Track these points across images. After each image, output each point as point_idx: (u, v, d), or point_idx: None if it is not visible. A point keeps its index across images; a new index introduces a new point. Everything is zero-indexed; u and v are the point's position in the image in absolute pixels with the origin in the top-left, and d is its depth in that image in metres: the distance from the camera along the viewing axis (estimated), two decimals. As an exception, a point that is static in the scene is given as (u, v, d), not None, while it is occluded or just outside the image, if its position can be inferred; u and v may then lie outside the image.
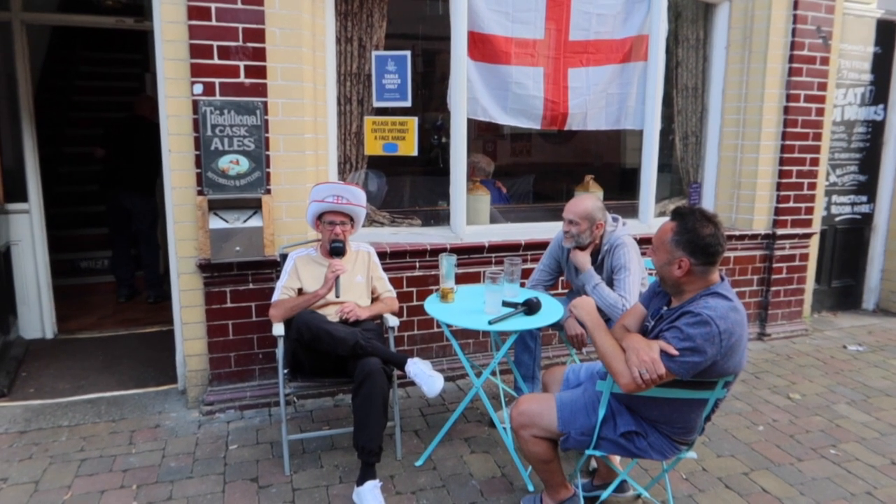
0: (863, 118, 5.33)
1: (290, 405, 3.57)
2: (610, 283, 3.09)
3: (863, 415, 3.60)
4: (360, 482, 2.65)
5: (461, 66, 3.80)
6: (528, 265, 3.75)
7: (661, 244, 2.08)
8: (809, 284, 5.05)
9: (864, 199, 5.50)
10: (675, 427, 2.21)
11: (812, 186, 4.78)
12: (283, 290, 3.05)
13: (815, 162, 4.75)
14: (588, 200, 3.08)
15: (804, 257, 4.89)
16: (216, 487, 2.79)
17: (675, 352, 1.96)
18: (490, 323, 2.69)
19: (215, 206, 3.28)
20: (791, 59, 4.51)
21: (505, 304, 2.90)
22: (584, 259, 3.09)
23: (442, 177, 4.11)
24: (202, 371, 3.51)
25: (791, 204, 4.73)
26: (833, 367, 4.29)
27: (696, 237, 2.00)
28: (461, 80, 3.82)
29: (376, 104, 3.82)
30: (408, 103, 3.80)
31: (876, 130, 5.42)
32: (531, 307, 2.82)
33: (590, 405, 2.30)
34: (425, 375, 2.69)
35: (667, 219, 2.16)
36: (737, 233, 4.59)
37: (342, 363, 2.81)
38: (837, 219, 5.41)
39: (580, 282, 3.09)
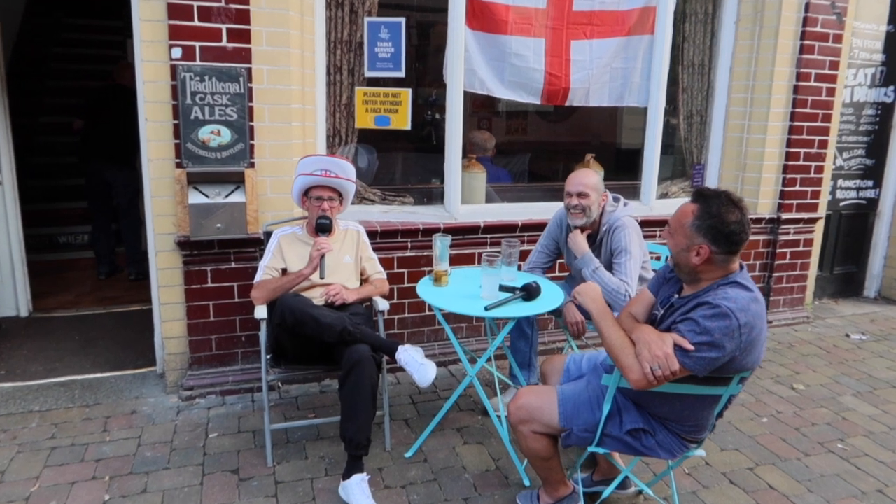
0: (872, 100, 5.15)
1: (274, 391, 3.40)
2: (609, 267, 2.92)
3: (870, 407, 3.48)
4: (347, 475, 2.49)
5: (458, 35, 3.58)
6: (525, 247, 3.57)
7: (680, 228, 1.90)
8: (813, 271, 4.90)
9: (869, 183, 5.35)
10: (686, 425, 2.06)
11: (819, 170, 4.62)
12: (265, 270, 2.86)
13: (823, 144, 4.58)
14: (592, 172, 2.91)
15: (809, 243, 4.75)
16: (194, 480, 2.62)
17: (690, 346, 1.79)
18: (487, 309, 2.52)
19: (195, 180, 3.07)
20: (803, 35, 4.31)
21: (502, 288, 2.72)
22: (581, 241, 2.92)
23: (436, 153, 3.92)
24: (181, 354, 3.32)
25: (797, 188, 4.56)
26: (836, 357, 4.17)
27: (721, 223, 1.82)
28: (458, 50, 3.60)
29: (368, 74, 3.60)
30: (401, 74, 3.58)
31: (885, 113, 5.24)
32: (530, 292, 2.65)
33: (594, 400, 2.14)
34: (417, 364, 2.53)
35: (685, 199, 1.98)
36: (741, 216, 4.42)
37: (328, 349, 2.63)
38: (842, 204, 5.25)
39: (579, 265, 2.91)
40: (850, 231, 5.37)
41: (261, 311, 2.74)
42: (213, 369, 3.34)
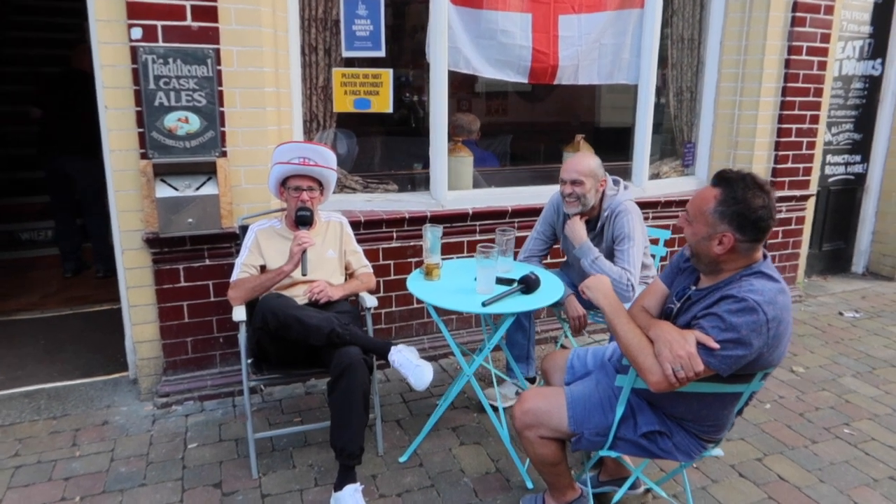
0: (860, 73, 5.06)
1: (256, 393, 3.21)
2: (610, 254, 2.77)
3: (871, 388, 3.40)
4: (339, 486, 2.32)
5: (441, 10, 3.37)
6: (518, 234, 3.40)
7: (701, 215, 1.74)
8: (804, 249, 4.83)
9: (857, 158, 5.28)
10: (705, 425, 1.92)
11: (811, 146, 4.52)
12: (242, 267, 2.66)
13: (815, 119, 4.47)
14: (588, 157, 2.74)
15: (800, 220, 4.66)
16: (173, 496, 2.43)
17: (715, 345, 1.64)
18: (484, 305, 2.35)
19: (162, 172, 2.84)
20: (795, 7, 4.17)
21: (499, 281, 2.56)
22: (579, 230, 2.76)
23: (419, 137, 3.71)
24: (155, 359, 3.11)
25: (789, 164, 4.46)
26: (833, 336, 4.10)
27: (747, 209, 1.67)
28: (441, 26, 3.39)
29: (346, 54, 3.37)
30: (381, 53, 3.36)
31: (873, 86, 5.16)
32: (529, 285, 2.49)
33: (606, 402, 1.99)
34: (412, 365, 2.35)
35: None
36: (733, 195, 4.30)
37: (315, 352, 2.45)
38: (830, 180, 5.18)
39: (577, 254, 2.75)
40: (839, 207, 5.31)
41: (239, 313, 2.54)
42: (190, 374, 3.14)
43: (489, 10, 3.52)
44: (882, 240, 5.39)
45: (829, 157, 5.08)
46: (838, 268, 5.49)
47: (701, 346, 1.66)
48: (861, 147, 5.25)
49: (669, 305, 1.91)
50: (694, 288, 1.85)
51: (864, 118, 5.19)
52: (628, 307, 1.99)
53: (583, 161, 2.71)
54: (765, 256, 1.77)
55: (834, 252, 5.42)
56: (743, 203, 1.67)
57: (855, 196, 5.37)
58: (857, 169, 5.30)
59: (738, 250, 1.71)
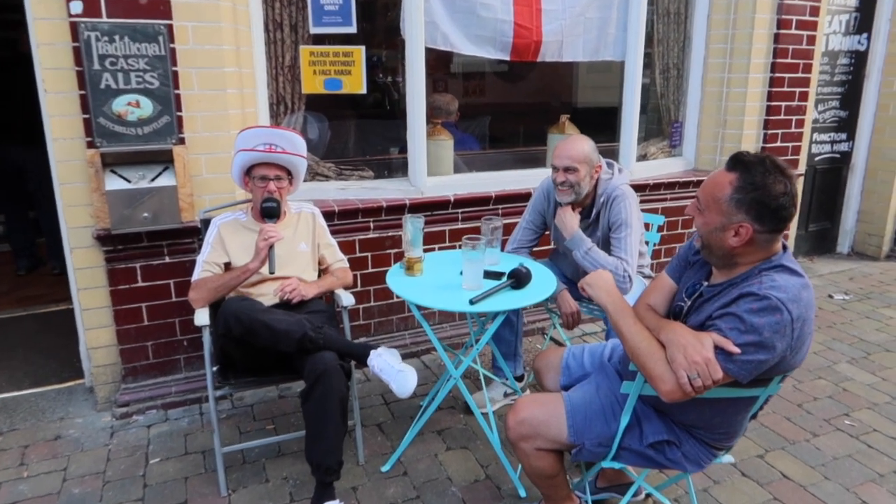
0: (846, 48, 4.93)
1: (226, 399, 2.98)
2: (606, 243, 2.59)
3: (867, 375, 3.30)
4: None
5: (416, -18, 3.13)
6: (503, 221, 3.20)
7: (714, 202, 1.55)
8: (793, 230, 4.72)
9: (843, 136, 5.17)
10: (716, 432, 1.76)
11: (800, 123, 4.38)
12: (204, 265, 2.41)
13: (804, 97, 4.33)
14: (582, 141, 2.54)
15: (789, 201, 4.53)
16: (132, 520, 2.22)
17: (735, 349, 1.47)
18: (472, 303, 2.15)
19: (112, 162, 2.57)
20: (784, -22, 4.01)
21: (486, 274, 2.36)
22: (570, 220, 2.55)
23: (395, 120, 3.47)
24: (112, 365, 2.86)
25: (778, 143, 4.32)
26: (824, 320, 3.99)
27: (767, 196, 1.48)
28: (418, 0, 3.14)
29: (314, 30, 3.11)
30: (353, 29, 3.11)
31: (858, 62, 5.04)
32: (519, 279, 2.29)
33: (608, 409, 1.81)
34: (393, 371, 2.15)
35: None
36: (722, 177, 4.14)
37: (286, 356, 2.23)
38: (817, 158, 5.06)
39: (569, 246, 2.56)
40: (825, 187, 5.20)
41: (202, 317, 2.31)
42: (153, 380, 2.90)
43: (468, -18, 3.28)
44: (867, 219, 5.31)
45: (815, 136, 4.96)
46: (824, 248, 5.41)
47: (719, 351, 1.48)
48: (847, 125, 5.14)
49: (679, 303, 1.73)
50: (706, 284, 1.67)
51: (850, 95, 5.07)
52: (631, 303, 1.81)
53: (576, 145, 2.50)
54: (784, 248, 1.60)
55: (820, 232, 5.33)
56: (762, 189, 1.48)
57: (840, 175, 5.27)
58: (843, 147, 5.20)
59: (756, 242, 1.53)
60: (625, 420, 1.75)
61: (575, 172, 2.48)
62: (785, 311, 1.46)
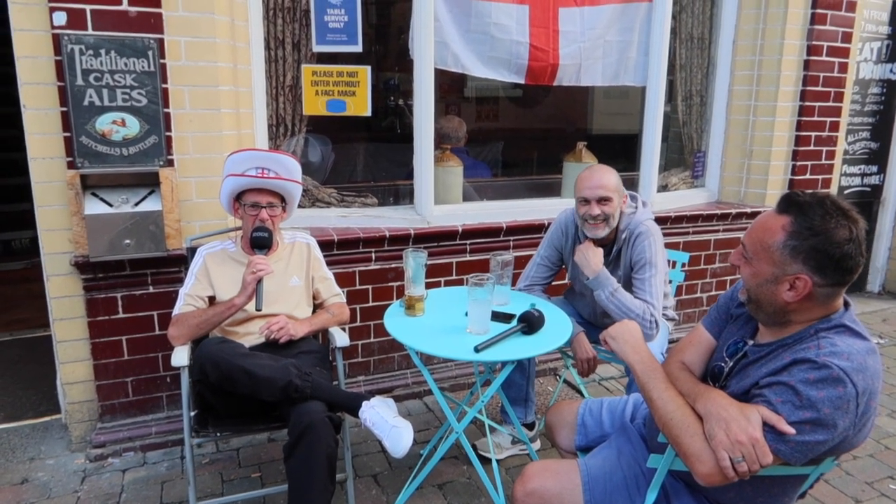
0: (878, 77, 4.70)
1: (211, 442, 2.75)
2: (627, 283, 2.36)
3: (912, 431, 3.02)
4: (299, 573, 1.88)
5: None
6: (513, 253, 2.98)
7: (764, 250, 1.32)
8: (822, 267, 4.44)
9: (874, 169, 4.91)
10: (759, 514, 1.50)
11: (830, 155, 4.14)
12: (186, 299, 2.21)
13: (834, 126, 4.10)
14: (609, 170, 2.32)
15: (818, 237, 4.28)
16: (93, 584, 1.98)
17: (788, 428, 1.22)
18: (477, 350, 1.92)
19: (93, 184, 2.39)
20: (815, 2, 3.80)
21: (495, 316, 2.13)
22: (593, 258, 2.31)
23: (404, 144, 3.28)
24: (88, 402, 2.65)
25: (808, 176, 4.08)
26: (859, 366, 3.70)
27: (829, 243, 1.25)
28: (427, 18, 2.96)
29: (317, 48, 2.94)
30: (358, 48, 2.93)
31: (890, 91, 4.80)
32: (531, 323, 2.06)
33: (631, 481, 1.57)
34: (387, 427, 1.91)
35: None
36: (748, 210, 3.90)
37: (270, 403, 2.01)
38: (847, 192, 4.80)
39: (591, 286, 2.32)
40: (854, 221, 4.93)
41: (180, 356, 2.09)
42: (131, 419, 2.68)
43: (481, 1, 3.11)
44: (899, 256, 5.03)
45: (844, 168, 4.71)
46: (853, 287, 5.04)
47: (768, 429, 1.24)
48: (878, 157, 4.89)
49: (718, 363, 1.49)
50: (752, 343, 1.43)
51: (882, 125, 4.83)
52: (655, 350, 1.57)
53: (605, 174, 2.28)
54: (846, 305, 1.36)
55: (848, 269, 5.04)
56: (823, 235, 1.25)
57: (871, 209, 5.00)
58: (874, 180, 4.94)
59: (814, 297, 1.29)
60: (651, 497, 1.50)
61: (609, 203, 2.26)
62: (849, 384, 1.22)
